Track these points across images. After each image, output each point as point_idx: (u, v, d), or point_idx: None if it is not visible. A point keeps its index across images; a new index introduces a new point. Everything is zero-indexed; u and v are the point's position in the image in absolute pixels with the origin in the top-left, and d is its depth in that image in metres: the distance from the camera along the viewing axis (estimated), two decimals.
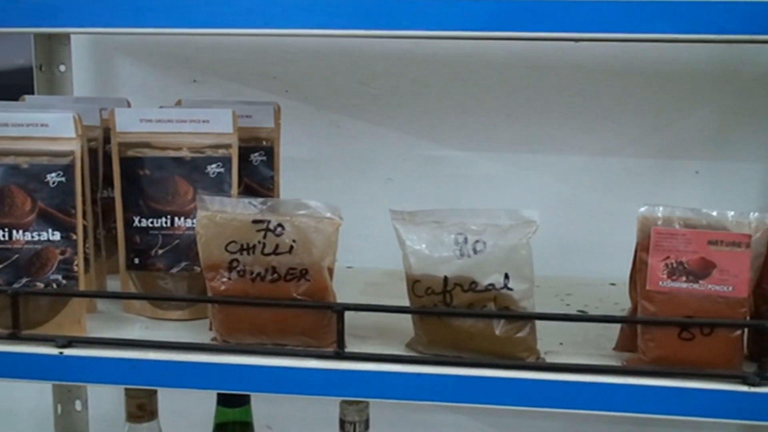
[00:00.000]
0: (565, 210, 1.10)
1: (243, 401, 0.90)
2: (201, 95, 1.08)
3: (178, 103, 0.96)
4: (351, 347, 0.78)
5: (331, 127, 1.12)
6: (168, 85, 1.10)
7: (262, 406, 1.15)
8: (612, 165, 1.09)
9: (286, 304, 0.76)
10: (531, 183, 1.10)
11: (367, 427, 0.89)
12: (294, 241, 0.75)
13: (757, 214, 0.72)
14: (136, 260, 0.88)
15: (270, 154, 0.94)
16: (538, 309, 0.76)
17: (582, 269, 1.07)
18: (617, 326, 0.80)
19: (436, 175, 1.11)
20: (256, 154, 0.94)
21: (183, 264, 0.86)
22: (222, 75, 1.11)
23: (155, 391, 0.91)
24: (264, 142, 0.94)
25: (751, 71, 1.05)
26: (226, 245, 0.76)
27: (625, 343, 0.78)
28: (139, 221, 0.87)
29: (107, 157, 0.90)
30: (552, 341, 0.81)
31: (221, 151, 0.86)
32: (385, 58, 1.09)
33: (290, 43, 1.08)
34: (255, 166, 0.94)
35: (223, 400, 0.90)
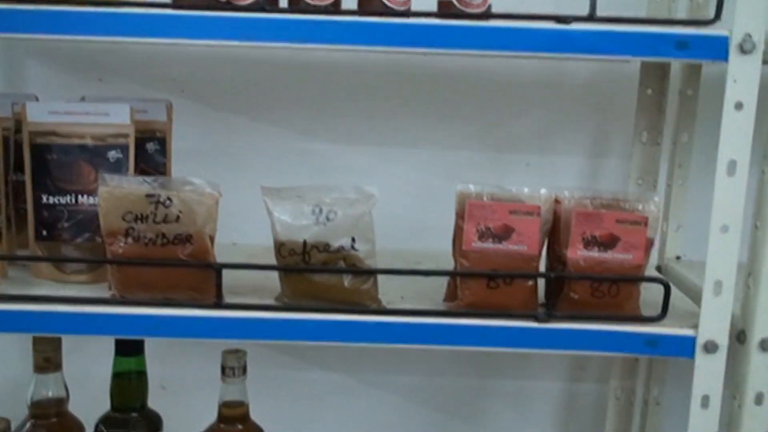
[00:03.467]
0: (420, 196, 1.29)
1: (138, 350, 1.06)
2: (105, 93, 1.22)
3: (82, 99, 1.11)
4: (230, 301, 0.95)
5: (220, 123, 1.28)
6: (74, 83, 1.24)
7: (157, 368, 1.31)
8: (458, 157, 1.29)
9: (173, 263, 0.92)
10: (391, 173, 1.29)
11: (244, 372, 1.06)
12: (180, 211, 0.92)
13: (545, 190, 0.92)
14: (44, 232, 1.01)
15: (163, 144, 1.10)
16: None
17: (435, 245, 1.26)
18: None
19: (310, 165, 1.28)
20: (151, 143, 1.09)
21: (86, 235, 1.01)
22: (125, 76, 1.26)
23: (59, 346, 1.05)
24: (157, 134, 1.09)
25: (571, 81, 1.27)
26: (123, 215, 0.92)
27: (450, 295, 0.97)
28: (47, 199, 1.01)
29: (18, 145, 1.04)
30: (395, 295, 0.99)
31: (120, 140, 1.01)
32: (266, 63, 1.25)
33: (186, 50, 1.24)
34: (150, 154, 1.09)
35: (120, 350, 1.05)
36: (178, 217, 0.92)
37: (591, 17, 0.87)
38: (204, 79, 1.26)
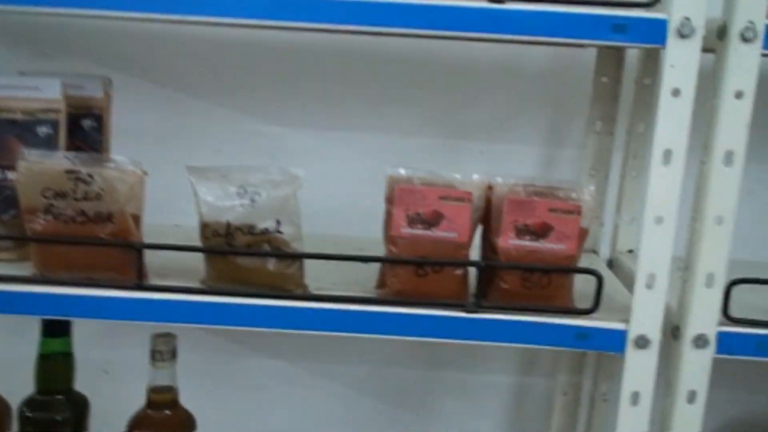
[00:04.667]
0: (371, 182, 1.25)
1: (64, 331, 1.03)
2: (48, 70, 1.19)
3: (21, 74, 1.08)
4: (154, 282, 0.93)
5: (168, 102, 1.25)
6: (20, 60, 1.21)
7: (99, 351, 1.29)
8: (410, 144, 1.26)
9: (92, 242, 0.90)
10: (342, 158, 1.26)
11: (173, 356, 1.03)
12: (101, 189, 0.89)
13: (477, 176, 0.89)
14: None
15: (99, 121, 1.07)
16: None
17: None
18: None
19: (261, 148, 1.26)
20: (87, 120, 1.06)
21: (13, 212, 0.98)
22: (72, 53, 1.23)
23: None
24: (94, 110, 1.06)
25: (528, 69, 1.24)
26: (42, 191, 0.89)
27: (382, 282, 0.94)
28: None
29: None
30: (327, 281, 0.97)
31: (50, 115, 0.99)
32: (216, 43, 1.23)
33: (135, 26, 1.21)
34: (86, 132, 1.07)
35: (46, 331, 1.02)
36: (98, 194, 0.89)
37: None
38: (153, 57, 1.24)
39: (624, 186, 1.17)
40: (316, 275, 0.96)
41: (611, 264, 1.18)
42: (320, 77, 1.25)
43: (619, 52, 1.14)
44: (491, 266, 0.89)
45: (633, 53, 1.15)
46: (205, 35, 1.21)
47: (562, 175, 1.25)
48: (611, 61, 1.15)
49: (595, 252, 1.20)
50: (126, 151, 1.11)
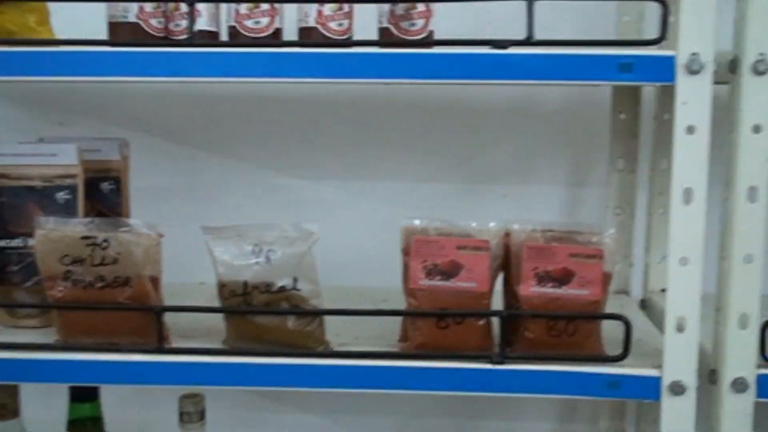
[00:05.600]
0: (391, 231, 1.25)
1: (92, 397, 1.03)
2: (66, 134, 1.20)
3: (40, 140, 1.10)
4: (177, 345, 0.92)
5: (186, 160, 1.26)
6: (36, 125, 1.23)
7: (134, 412, 1.28)
8: (431, 190, 1.25)
9: (111, 307, 0.89)
10: (360, 207, 1.26)
11: (202, 417, 1.02)
12: (118, 253, 0.89)
13: (494, 223, 0.88)
14: None
15: (118, 183, 1.08)
16: None
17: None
18: None
19: (279, 200, 1.26)
20: (106, 183, 1.07)
21: (35, 278, 0.99)
22: (88, 116, 1.25)
23: (16, 392, 1.03)
24: (112, 173, 1.08)
25: (546, 109, 1.23)
26: (61, 258, 0.89)
27: (404, 335, 0.93)
28: None
29: None
30: (350, 336, 0.95)
31: (68, 181, 1.00)
32: (230, 98, 1.23)
33: (147, 87, 1.23)
34: (105, 194, 1.07)
35: (74, 396, 1.02)
36: (116, 259, 0.89)
37: (528, 41, 0.83)
38: (167, 116, 1.25)
39: (651, 224, 1.14)
40: (339, 330, 0.95)
41: (644, 304, 1.15)
42: (337, 127, 1.25)
43: (635, 88, 1.12)
44: (513, 315, 0.87)
45: (650, 88, 1.13)
46: (220, 91, 1.22)
47: (588, 215, 1.23)
48: (627, 97, 1.13)
49: (626, 293, 1.17)
50: (148, 211, 1.13)
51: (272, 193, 1.26)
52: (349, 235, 1.25)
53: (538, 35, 0.83)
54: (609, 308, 1.02)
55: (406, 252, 0.89)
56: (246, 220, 1.23)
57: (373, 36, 0.92)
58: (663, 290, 1.14)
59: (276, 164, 1.26)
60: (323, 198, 1.26)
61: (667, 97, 1.11)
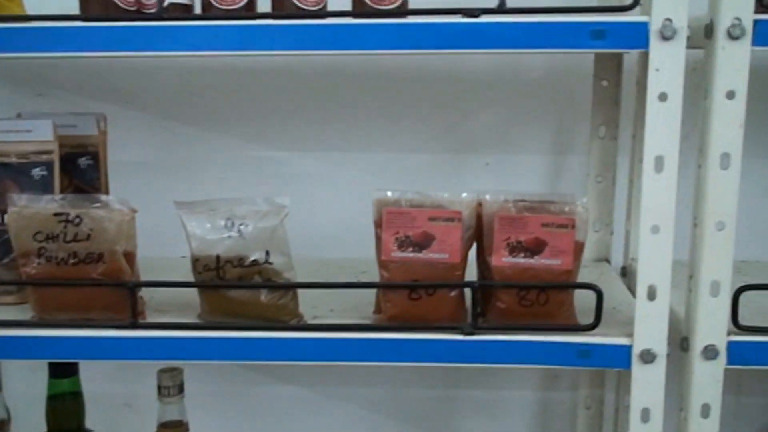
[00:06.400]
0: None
1: (70, 372, 1.03)
2: (45, 108, 1.20)
3: (19, 116, 1.09)
4: (152, 319, 0.93)
5: (167, 133, 1.25)
6: (15, 98, 1.22)
7: (120, 385, 1.29)
8: (413, 160, 1.24)
9: (84, 283, 0.89)
10: (344, 178, 1.25)
11: (181, 390, 1.03)
12: (91, 229, 0.89)
13: (466, 194, 0.87)
14: None
15: (95, 158, 1.08)
16: None
17: None
18: None
19: (264, 173, 1.25)
20: (83, 158, 1.07)
21: (12, 255, 0.99)
22: (68, 90, 1.24)
23: None
24: (89, 148, 1.07)
25: (527, 77, 1.21)
26: (34, 235, 0.89)
27: (379, 307, 0.93)
28: None
29: None
30: (325, 308, 0.95)
31: (44, 157, 0.99)
32: (211, 71, 1.22)
33: (126, 60, 1.21)
34: (83, 169, 1.07)
35: (53, 372, 1.03)
36: (88, 235, 0.89)
37: (501, 9, 0.82)
38: (148, 89, 1.24)
39: (632, 192, 1.13)
40: (315, 302, 0.95)
41: (624, 272, 1.15)
42: (319, 99, 1.24)
43: (617, 55, 1.11)
44: (484, 286, 0.86)
45: (632, 54, 1.12)
46: (199, 63, 1.21)
47: (571, 183, 1.22)
48: (610, 64, 1.12)
49: (607, 261, 1.17)
50: (128, 185, 1.13)
51: (255, 166, 1.25)
52: (332, 206, 1.25)
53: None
54: (589, 276, 1.03)
55: (378, 224, 0.88)
56: (227, 194, 1.23)
57: (349, 6, 0.91)
58: None
59: (257, 137, 1.25)
60: (305, 170, 1.26)
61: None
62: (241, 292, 0.89)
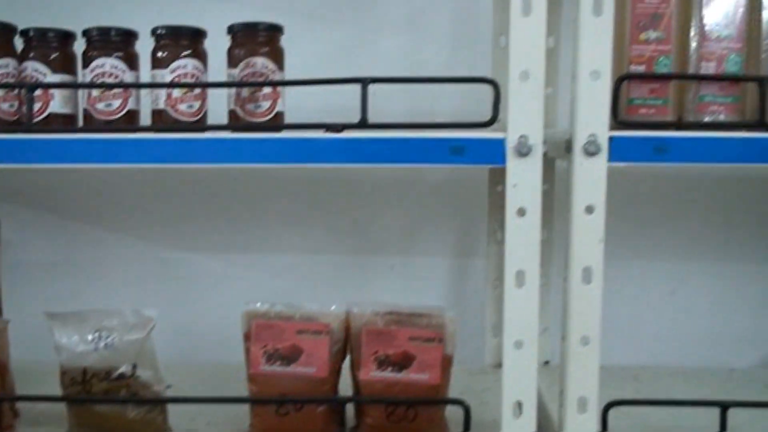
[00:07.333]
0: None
1: None
2: None
3: None
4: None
5: (71, 234, 1.24)
6: None
7: None
8: (320, 262, 1.23)
9: None
10: (250, 280, 1.24)
11: None
12: None
13: (334, 306, 0.87)
14: None
15: None
16: None
17: None
18: None
19: (168, 275, 1.24)
20: None
21: None
22: None
23: None
24: None
25: (430, 180, 1.22)
26: None
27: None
28: None
29: None
30: (201, 421, 0.93)
31: None
32: (114, 170, 1.23)
33: None
34: None
35: None
36: None
37: (363, 124, 0.83)
38: (52, 190, 1.24)
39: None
40: (193, 414, 0.93)
41: None
42: (224, 200, 1.24)
43: None
44: (345, 401, 0.85)
45: None
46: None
47: (473, 286, 1.21)
48: (502, 169, 1.12)
49: None
50: (32, 287, 1.12)
51: (160, 267, 1.24)
52: (235, 309, 1.24)
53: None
54: (483, 383, 1.01)
55: (247, 337, 0.87)
56: (131, 296, 1.24)
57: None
58: (547, 362, 1.15)
59: (164, 238, 1.25)
60: (213, 271, 1.25)
61: (546, 168, 1.09)
62: (108, 407, 0.87)
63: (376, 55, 1.20)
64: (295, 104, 0.97)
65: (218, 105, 0.95)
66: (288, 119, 0.94)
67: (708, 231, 1.19)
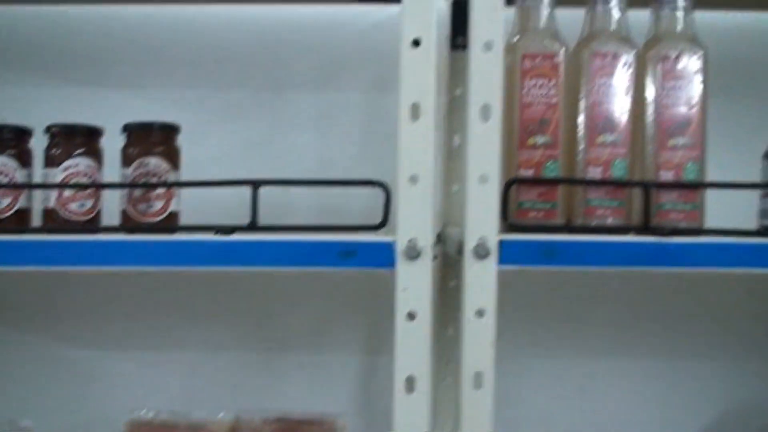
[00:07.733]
0: (188, 403, 1.19)
1: None
2: None
3: None
4: None
5: None
6: None
7: None
8: (226, 360, 1.20)
9: None
10: (157, 379, 1.20)
11: None
12: None
13: (223, 413, 0.84)
14: None
15: None
16: None
17: None
18: None
19: (72, 373, 1.19)
20: None
21: None
22: None
23: None
24: None
25: (337, 275, 1.21)
26: None
27: None
28: None
29: None
30: None
31: None
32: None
33: None
34: None
35: None
36: None
37: (252, 226, 0.82)
38: None
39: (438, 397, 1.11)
40: None
41: None
42: (132, 297, 1.21)
43: None
44: None
45: None
46: None
47: (385, 384, 1.19)
48: None
49: None
50: None
51: (64, 366, 1.20)
52: (148, 406, 1.19)
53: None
54: None
55: None
56: (34, 397, 1.19)
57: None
58: None
59: (67, 335, 1.20)
60: (118, 371, 1.20)
61: (448, 268, 1.11)
62: None
63: (287, 150, 1.20)
64: (199, 200, 0.96)
65: (114, 203, 0.93)
66: (191, 216, 0.93)
67: (614, 327, 1.20)
